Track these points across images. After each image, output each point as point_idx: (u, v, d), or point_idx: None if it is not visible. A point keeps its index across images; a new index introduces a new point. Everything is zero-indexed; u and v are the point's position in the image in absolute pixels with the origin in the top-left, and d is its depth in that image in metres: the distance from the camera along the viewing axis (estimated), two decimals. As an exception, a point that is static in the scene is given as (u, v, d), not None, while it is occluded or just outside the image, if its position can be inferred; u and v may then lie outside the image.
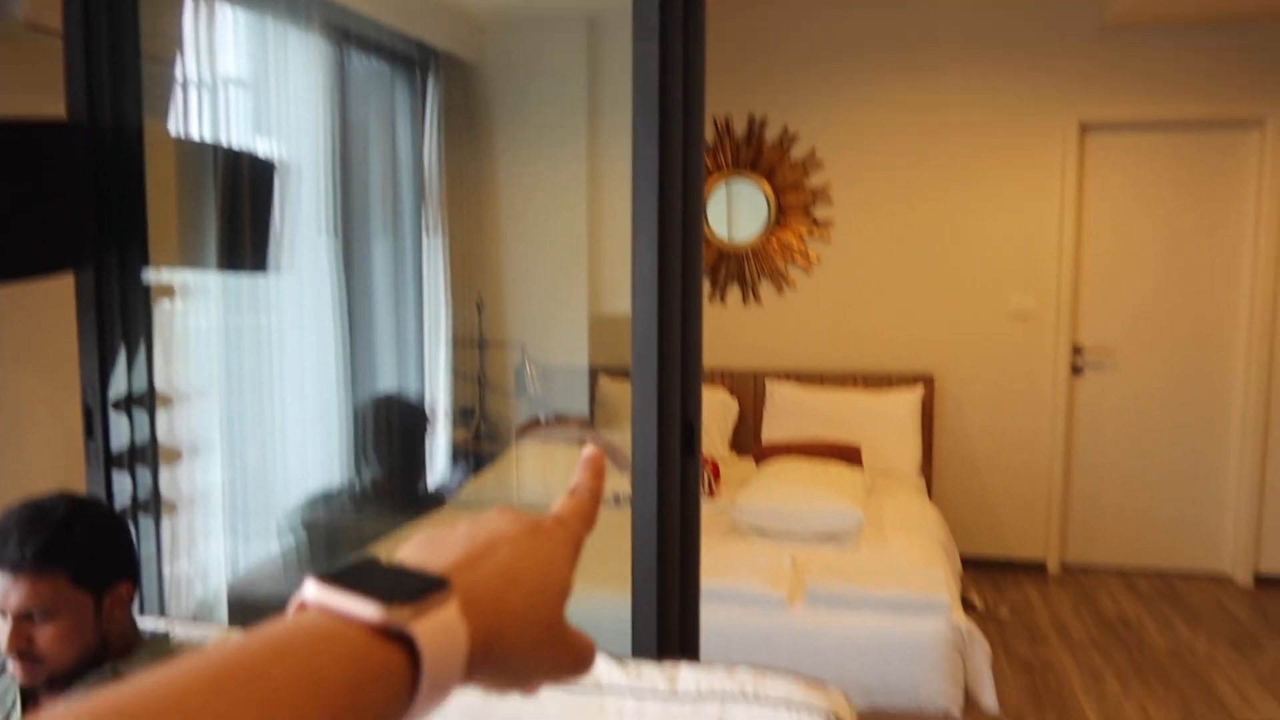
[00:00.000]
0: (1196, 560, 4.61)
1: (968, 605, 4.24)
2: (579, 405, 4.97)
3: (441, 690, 0.38)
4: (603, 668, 1.49)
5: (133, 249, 2.12)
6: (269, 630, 0.35)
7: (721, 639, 2.74)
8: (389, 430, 3.54)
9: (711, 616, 2.80)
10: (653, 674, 1.47)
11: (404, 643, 0.36)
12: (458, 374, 4.82)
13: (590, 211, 4.99)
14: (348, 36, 3.89)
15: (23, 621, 1.39)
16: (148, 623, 1.63)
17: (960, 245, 4.62)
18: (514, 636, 0.41)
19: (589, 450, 0.56)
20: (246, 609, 2.50)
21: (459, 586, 0.39)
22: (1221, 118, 4.35)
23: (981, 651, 2.73)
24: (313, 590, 0.37)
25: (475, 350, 4.79)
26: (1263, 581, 4.50)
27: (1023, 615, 4.15)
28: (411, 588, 0.38)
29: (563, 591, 0.45)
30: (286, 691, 0.33)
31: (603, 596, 2.93)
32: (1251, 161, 4.38)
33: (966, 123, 4.56)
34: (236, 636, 0.35)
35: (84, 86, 2.05)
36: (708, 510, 3.73)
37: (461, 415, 4.81)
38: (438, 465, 4.28)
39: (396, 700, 0.36)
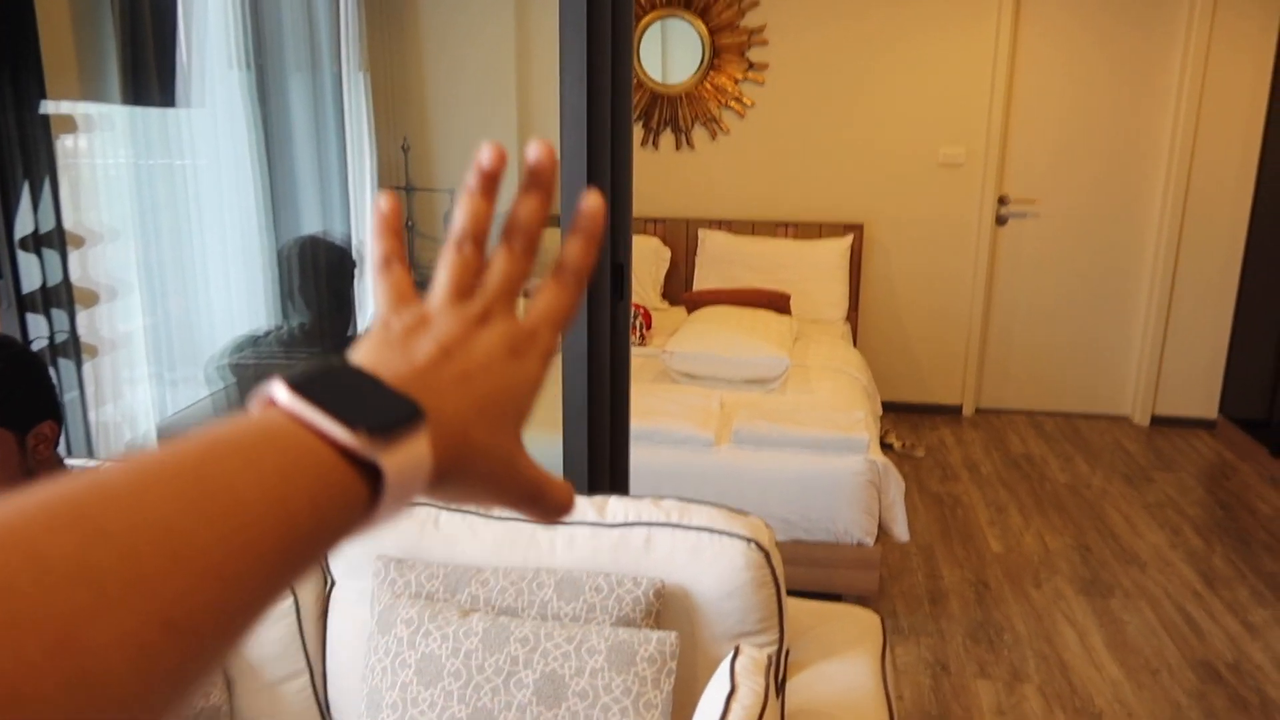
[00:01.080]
0: (1100, 403, 4.86)
1: (886, 446, 4.44)
2: (510, 252, 4.93)
3: (395, 513, 0.37)
4: (534, 500, 1.54)
5: (27, 80, 1.99)
6: (237, 432, 0.34)
7: (653, 477, 2.84)
8: (315, 272, 3.47)
9: (642, 457, 2.89)
10: (582, 504, 1.52)
11: (370, 470, 0.35)
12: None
13: (518, 48, 4.80)
14: None
15: (-56, 462, 1.38)
16: (76, 463, 1.62)
17: (894, 95, 4.58)
18: (474, 467, 0.41)
19: (586, 202, 0.48)
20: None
21: (428, 411, 0.38)
22: (1159, -36, 4.31)
23: (895, 487, 2.87)
24: (284, 396, 0.35)
25: (402, 195, 4.67)
26: (1158, 421, 4.78)
27: (937, 455, 4.37)
28: (387, 415, 0.36)
29: (524, 421, 0.44)
30: (255, 505, 0.32)
31: (531, 435, 3.00)
32: (1179, 16, 4.38)
33: (907, -37, 4.45)
34: (202, 431, 0.33)
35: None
36: (639, 356, 3.79)
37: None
38: (366, 310, 4.23)
39: (353, 522, 0.36)
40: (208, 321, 3.07)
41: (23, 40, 1.95)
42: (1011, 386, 4.91)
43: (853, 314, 4.65)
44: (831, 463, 2.81)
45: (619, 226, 1.96)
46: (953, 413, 4.91)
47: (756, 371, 3.38)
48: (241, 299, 3.32)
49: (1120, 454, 4.41)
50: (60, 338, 2.20)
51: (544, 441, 2.97)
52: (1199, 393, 4.73)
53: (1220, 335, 4.65)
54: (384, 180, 4.63)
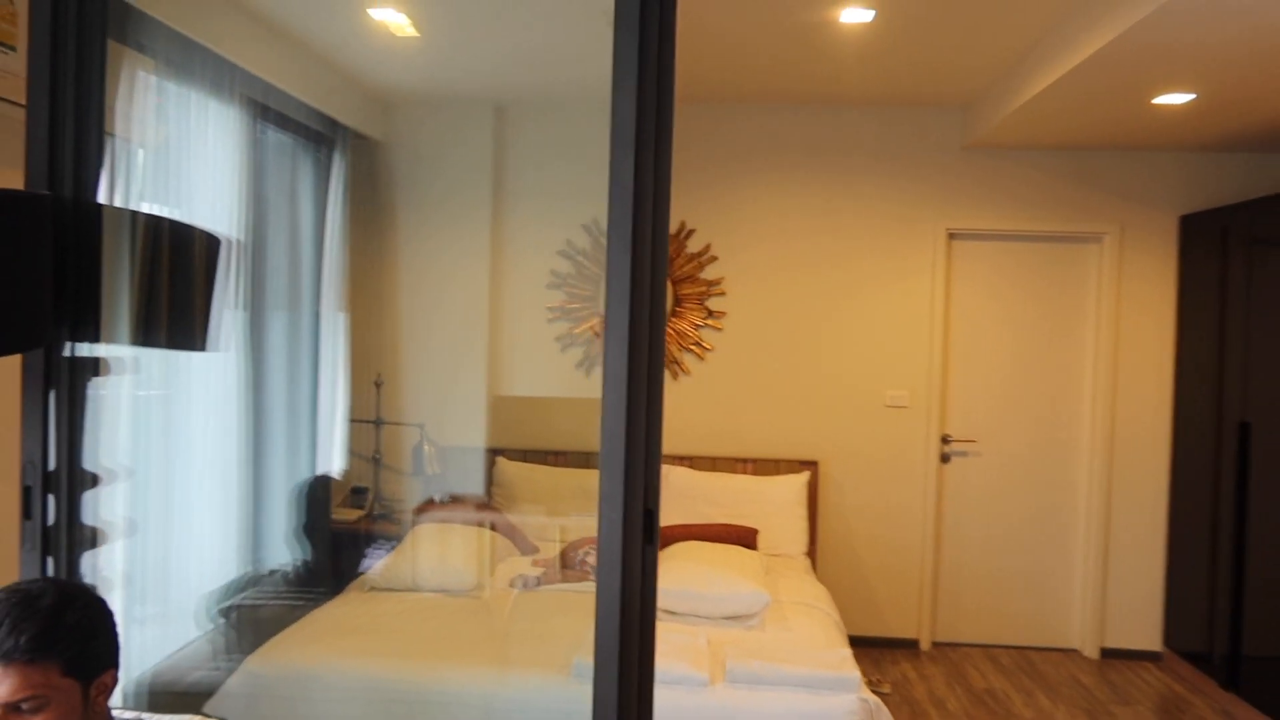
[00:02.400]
0: (1051, 636, 5.00)
1: (852, 682, 4.45)
2: (476, 486, 4.98)
3: None
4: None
5: (85, 326, 2.09)
6: None
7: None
8: (323, 511, 3.49)
9: (638, 697, 2.88)
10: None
11: None
12: (353, 453, 4.76)
13: (491, 293, 5.08)
14: (261, 110, 3.90)
15: (11, 712, 1.37)
16: (125, 714, 1.59)
17: (843, 342, 4.95)
18: None
19: None
20: (173, 696, 2.40)
21: None
22: (1068, 232, 4.89)
23: (888, 726, 2.90)
24: None
25: (372, 429, 4.75)
26: (1108, 654, 4.92)
27: (902, 690, 4.38)
28: None
29: None
30: None
31: (537, 679, 2.96)
32: (1092, 271, 4.93)
33: (848, 227, 4.94)
34: None
35: (45, 159, 2.04)
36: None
37: (354, 495, 4.73)
38: (337, 547, 4.19)
39: None
40: (197, 559, 3.03)
41: (88, 287, 2.06)
42: (966, 620, 5.02)
43: (812, 548, 4.78)
44: (825, 701, 2.84)
45: (650, 474, 2.09)
46: (910, 646, 4.97)
47: (738, 608, 3.43)
48: (225, 537, 3.29)
49: (1078, 688, 4.49)
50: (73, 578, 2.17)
51: (545, 684, 2.94)
52: (1143, 625, 4.91)
53: (1156, 569, 4.90)
54: (356, 413, 4.72)
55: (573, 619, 3.45)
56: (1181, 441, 4.78)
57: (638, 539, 2.07)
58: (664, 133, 2.09)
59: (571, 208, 5.02)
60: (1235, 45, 3.14)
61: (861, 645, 4.96)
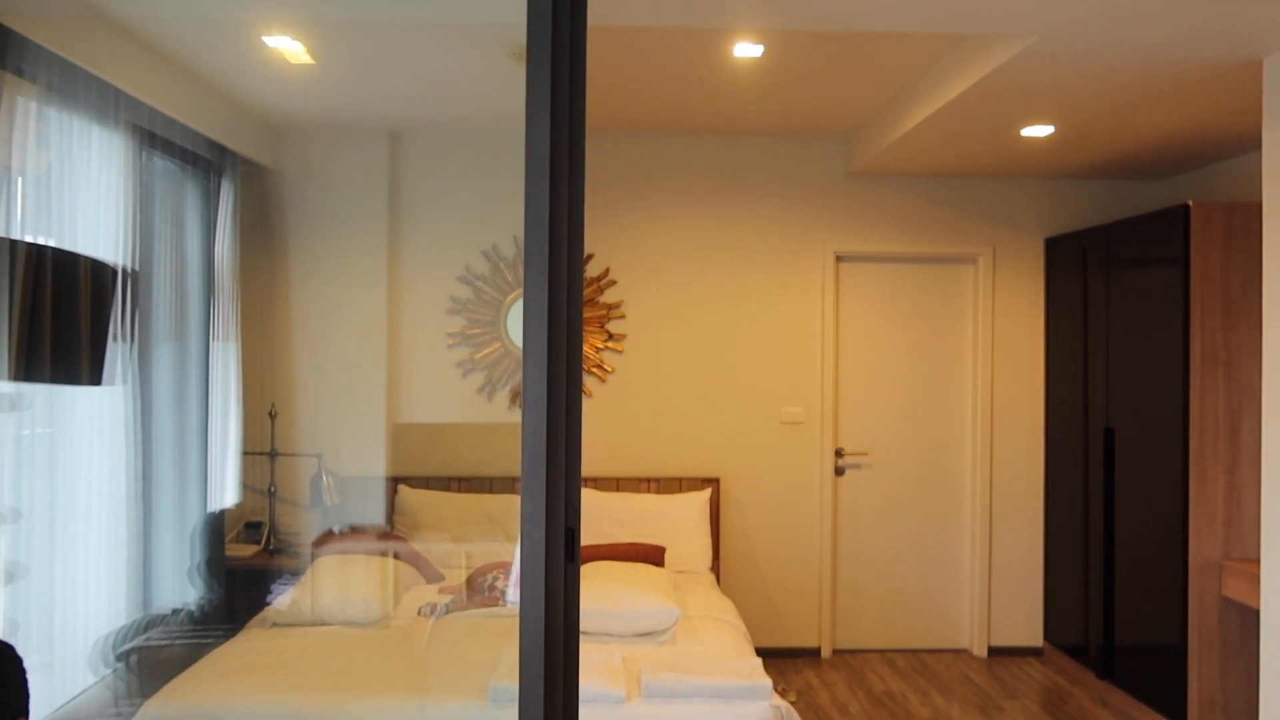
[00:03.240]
0: (943, 638, 5.23)
1: (758, 693, 4.56)
2: (376, 515, 4.91)
3: None
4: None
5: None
6: None
7: (567, 739, 2.84)
8: (195, 549, 3.39)
9: (556, 718, 2.90)
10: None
11: None
12: (247, 487, 4.64)
13: (390, 320, 5.04)
14: (148, 136, 3.81)
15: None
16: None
17: (739, 360, 5.10)
18: None
19: None
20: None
21: None
22: (945, 254, 5.17)
23: (798, 731, 3.00)
24: None
25: (267, 461, 4.64)
26: (995, 651, 5.18)
27: (806, 698, 4.52)
28: None
29: None
30: None
31: (452, 706, 2.95)
32: (968, 291, 5.23)
33: (741, 250, 5.11)
34: None
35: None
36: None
37: (248, 530, 4.61)
38: (234, 584, 4.07)
39: None
40: (86, 601, 2.91)
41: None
42: (863, 627, 5.21)
43: (716, 563, 4.89)
44: (739, 710, 2.92)
45: (571, 493, 2.14)
46: (813, 655, 5.12)
47: (650, 624, 3.49)
48: (117, 577, 3.16)
49: (969, 686, 4.71)
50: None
51: (467, 709, 2.93)
52: (1025, 623, 5.20)
53: (1036, 570, 5.20)
54: (249, 445, 4.60)
55: (485, 644, 3.45)
56: (1054, 448, 5.10)
57: (560, 557, 2.12)
58: (577, 160, 2.16)
59: (470, 233, 5.03)
60: (1089, 85, 3.42)
61: (766, 655, 5.07)
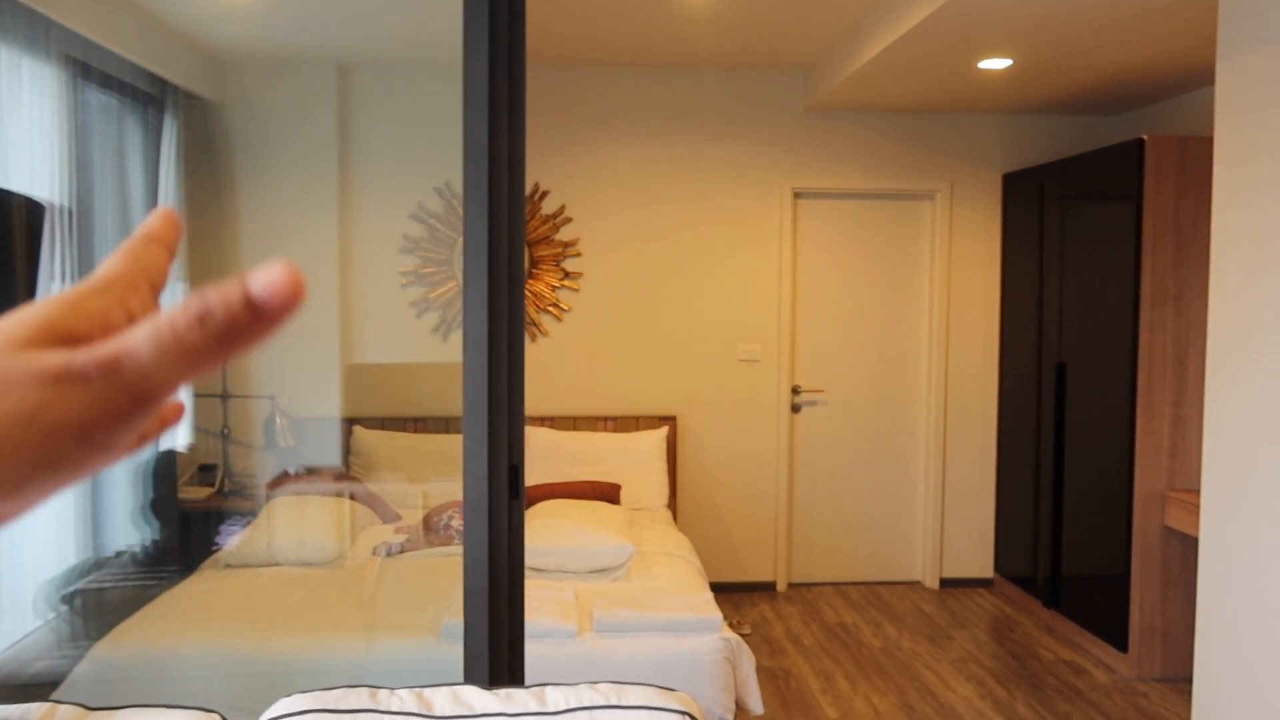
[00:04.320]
0: (896, 571, 5.33)
1: (714, 626, 4.63)
2: (332, 457, 4.88)
3: None
4: (475, 697, 1.60)
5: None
6: None
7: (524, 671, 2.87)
8: (170, 486, 3.35)
9: (508, 653, 2.93)
10: (522, 696, 1.60)
11: None
12: (199, 429, 4.59)
13: (341, 259, 4.96)
14: (83, 69, 3.68)
15: None
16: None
17: (696, 298, 5.08)
18: None
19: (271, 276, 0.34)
20: (14, 689, 2.28)
21: None
22: (904, 190, 5.15)
23: (748, 662, 3.06)
24: None
25: (219, 403, 4.58)
26: (946, 583, 5.29)
27: (761, 630, 4.60)
28: None
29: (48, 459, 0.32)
30: None
31: (406, 643, 2.96)
32: (926, 227, 5.22)
33: (699, 187, 5.06)
34: None
35: None
36: (482, 553, 3.83)
37: (202, 472, 4.57)
38: (186, 526, 4.04)
39: None
40: (25, 546, 2.87)
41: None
42: (818, 560, 5.29)
43: (673, 500, 4.93)
44: (690, 643, 2.97)
45: (514, 430, 2.12)
46: (768, 589, 5.21)
47: (604, 560, 3.52)
48: (63, 519, 3.13)
49: (920, 616, 4.82)
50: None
51: (420, 645, 2.94)
52: (976, 555, 5.31)
53: (988, 503, 5.29)
54: (200, 387, 4.54)
55: (439, 582, 3.47)
56: (1008, 383, 5.16)
57: (503, 495, 2.11)
58: (517, 93, 2.11)
59: (422, 170, 4.94)
60: (1045, 16, 3.38)
61: (722, 590, 5.16)
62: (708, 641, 2.97)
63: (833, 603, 5.02)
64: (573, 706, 1.57)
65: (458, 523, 4.04)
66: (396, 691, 1.62)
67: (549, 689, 1.61)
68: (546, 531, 3.58)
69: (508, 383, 2.10)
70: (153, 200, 4.39)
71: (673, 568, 3.67)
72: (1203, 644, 3.08)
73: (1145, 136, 3.93)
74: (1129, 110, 5.09)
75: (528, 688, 1.62)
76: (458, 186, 5.00)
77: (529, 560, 3.52)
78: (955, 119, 5.17)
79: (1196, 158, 3.93)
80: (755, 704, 3.07)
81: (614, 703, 1.57)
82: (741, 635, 4.52)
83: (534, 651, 2.90)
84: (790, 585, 5.27)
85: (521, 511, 2.16)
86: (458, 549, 4.00)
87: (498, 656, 2.09)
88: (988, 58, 4.01)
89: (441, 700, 1.60)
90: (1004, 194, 5.18)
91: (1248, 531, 2.90)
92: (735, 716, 3.03)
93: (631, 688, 1.60)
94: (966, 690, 3.91)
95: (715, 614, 3.03)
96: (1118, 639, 4.09)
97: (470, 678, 2.04)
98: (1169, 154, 3.93)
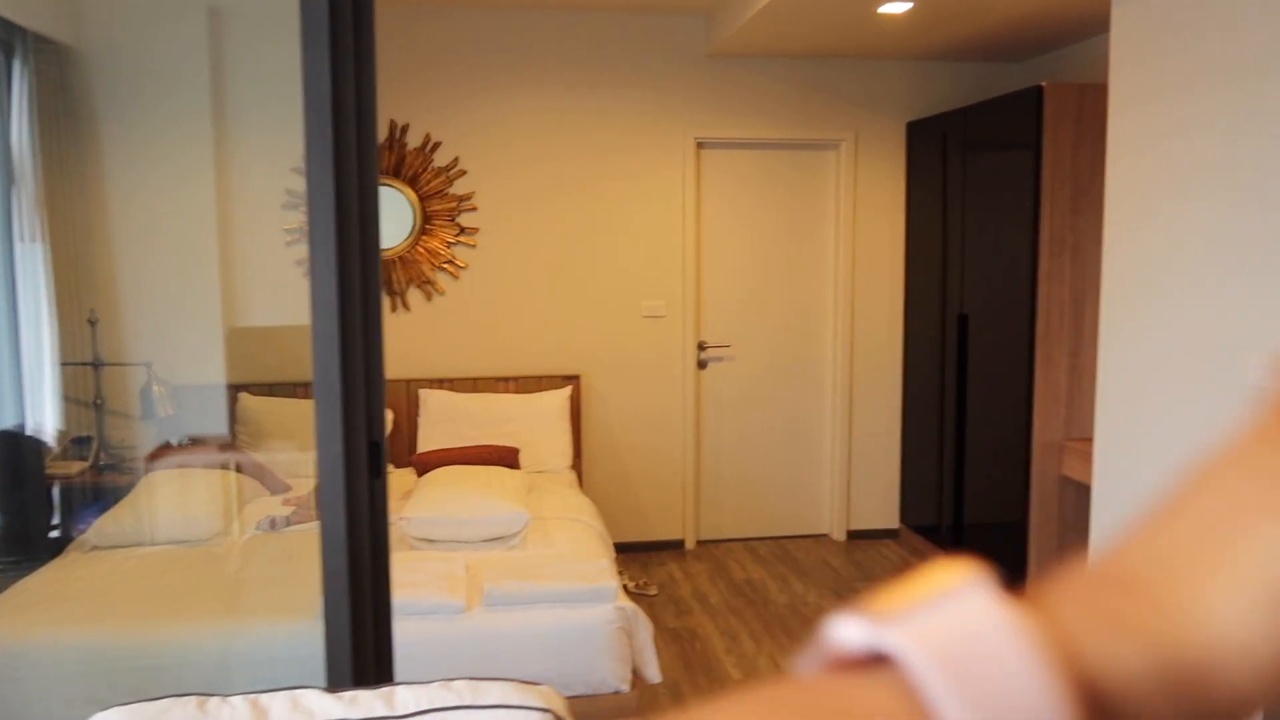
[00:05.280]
0: (804, 524, 5.33)
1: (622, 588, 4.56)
2: (218, 426, 4.63)
3: None
4: (316, 702, 1.46)
5: None
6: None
7: (405, 652, 2.74)
8: (7, 472, 3.10)
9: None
10: (368, 698, 1.47)
11: None
12: (69, 399, 4.29)
13: (220, 215, 4.66)
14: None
15: None
16: None
17: (598, 253, 4.93)
18: None
19: None
20: None
21: None
22: (808, 139, 5.05)
23: (645, 629, 2.97)
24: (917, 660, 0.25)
25: (90, 371, 4.29)
26: (854, 535, 5.31)
27: (668, 590, 4.54)
28: None
29: None
30: None
31: (280, 624, 2.79)
32: (831, 177, 5.14)
33: (598, 137, 4.88)
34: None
35: None
36: (372, 524, 3.67)
37: (75, 445, 4.29)
38: (54, 504, 3.78)
39: None
40: None
41: None
42: (727, 517, 5.25)
43: (578, 461, 4.81)
44: (583, 614, 2.87)
45: (374, 403, 1.96)
46: (677, 547, 5.15)
47: (498, 529, 3.39)
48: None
49: (827, 570, 4.82)
50: None
51: (287, 631, 2.78)
52: (883, 507, 5.33)
53: (894, 454, 5.31)
54: (68, 355, 4.24)
55: (324, 558, 3.29)
56: (912, 335, 5.14)
57: (363, 473, 1.96)
58: (365, 31, 1.91)
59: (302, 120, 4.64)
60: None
61: (631, 551, 5.09)
62: (602, 611, 2.87)
63: (741, 559, 4.99)
64: (424, 709, 1.44)
65: (347, 493, 3.86)
66: (229, 699, 1.47)
67: (399, 689, 1.48)
68: (437, 501, 3.43)
69: (364, 352, 1.94)
70: (5, 156, 4.05)
71: (571, 533, 3.56)
72: (1095, 593, 3.10)
73: (1044, 84, 3.89)
74: (1032, 57, 5.05)
75: (375, 689, 1.49)
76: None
77: (419, 532, 3.37)
78: (859, 66, 5.07)
79: (1095, 105, 3.90)
80: (652, 672, 2.99)
81: (469, 702, 1.44)
82: (649, 596, 4.46)
83: (418, 630, 2.77)
84: (699, 543, 5.22)
85: (384, 489, 2.01)
86: (347, 520, 3.81)
87: (362, 644, 1.95)
88: (887, 0, 3.90)
89: (279, 707, 1.45)
90: (908, 142, 5.11)
91: (1137, 479, 2.91)
92: (632, 685, 2.95)
93: (489, 684, 1.47)
94: (870, 643, 3.91)
95: (611, 582, 2.93)
96: (1015, 588, 4.13)
97: (332, 669, 1.90)
98: (1067, 101, 3.89)
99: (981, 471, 4.45)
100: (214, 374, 4.65)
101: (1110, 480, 2.99)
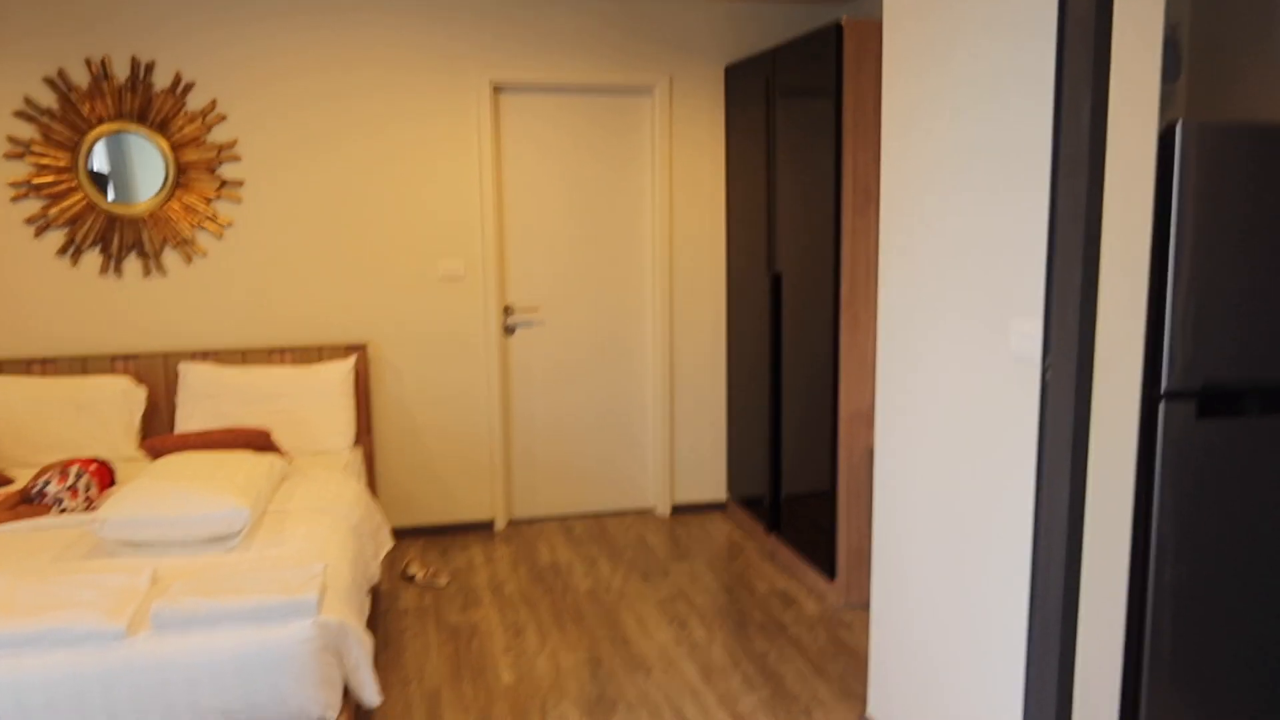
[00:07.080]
0: (627, 499, 4.98)
1: (409, 578, 4.15)
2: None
3: None
4: None
5: None
6: None
7: (43, 692, 2.28)
8: None
9: (23, 670, 2.32)
10: None
11: None
12: None
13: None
14: None
15: None
16: None
17: (385, 210, 4.44)
18: None
19: None
20: None
21: None
22: (619, 84, 4.62)
23: (358, 647, 2.57)
24: None
25: None
26: (679, 509, 4.99)
27: (463, 579, 4.15)
28: None
29: None
30: None
31: None
32: (645, 125, 4.73)
33: (382, 78, 4.37)
34: None
35: None
36: (71, 529, 3.16)
37: None
38: None
39: None
40: None
41: None
42: (541, 494, 4.87)
43: (365, 439, 4.36)
44: (275, 634, 2.44)
45: None
46: (485, 529, 4.76)
47: (209, 529, 2.93)
48: None
49: (642, 550, 4.49)
50: None
51: None
52: (710, 479, 5.02)
53: (720, 423, 4.98)
54: None
55: (20, 566, 2.79)
56: (734, 298, 4.80)
57: None
58: None
59: (27, 56, 4.02)
60: None
61: (434, 535, 4.69)
62: (298, 629, 2.45)
63: (552, 541, 4.63)
64: None
65: (55, 488, 3.34)
66: None
67: None
68: (140, 497, 2.95)
69: None
70: None
71: (311, 528, 3.12)
72: (877, 570, 2.81)
73: (843, 19, 3.52)
74: (858, -4, 4.70)
75: None
76: (77, 76, 4.10)
77: (117, 534, 2.89)
78: (674, 4, 4.64)
79: (899, 44, 3.55)
80: (370, 695, 2.60)
81: None
82: (437, 587, 4.06)
83: (59, 664, 2.32)
84: (511, 523, 4.84)
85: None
86: (52, 521, 3.29)
87: None
88: (673, -77, 3.47)
89: None
90: (726, 88, 4.73)
91: (911, 449, 2.61)
92: (344, 712, 2.55)
93: None
94: (665, 635, 3.59)
95: (310, 594, 2.51)
96: (827, 566, 3.87)
97: None
98: (869, 40, 3.54)
99: (796, 442, 4.15)
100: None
101: (888, 450, 2.69)
